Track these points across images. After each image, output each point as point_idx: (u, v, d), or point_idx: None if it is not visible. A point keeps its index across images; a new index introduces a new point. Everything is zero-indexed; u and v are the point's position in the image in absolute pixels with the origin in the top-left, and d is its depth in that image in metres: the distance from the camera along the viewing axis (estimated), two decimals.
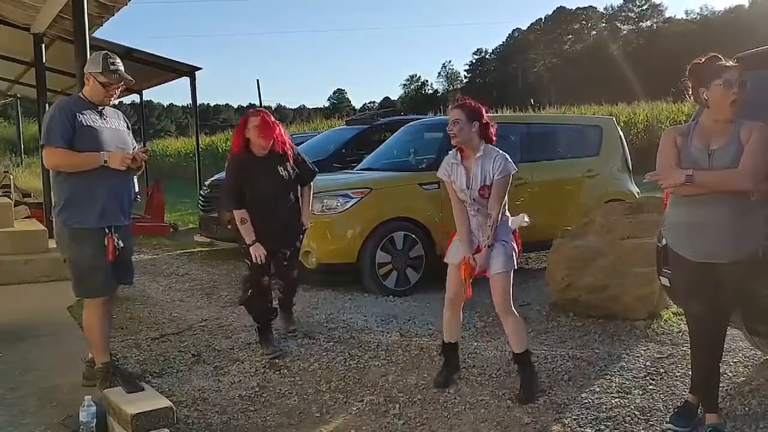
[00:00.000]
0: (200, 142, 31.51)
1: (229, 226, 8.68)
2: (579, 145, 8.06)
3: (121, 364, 4.55)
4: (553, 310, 5.97)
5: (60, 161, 3.87)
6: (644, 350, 4.92)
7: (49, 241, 8.10)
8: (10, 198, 13.78)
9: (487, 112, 4.08)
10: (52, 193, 3.98)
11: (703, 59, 3.36)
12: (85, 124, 3.89)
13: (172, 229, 11.99)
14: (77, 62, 6.52)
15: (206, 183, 9.94)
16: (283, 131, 4.99)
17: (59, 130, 3.80)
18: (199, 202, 9.75)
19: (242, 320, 5.84)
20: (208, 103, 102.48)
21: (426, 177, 6.90)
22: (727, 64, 3.29)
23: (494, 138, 4.07)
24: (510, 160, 4.00)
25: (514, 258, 4.06)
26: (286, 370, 4.64)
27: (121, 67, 4.06)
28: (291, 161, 5.01)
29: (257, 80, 50.05)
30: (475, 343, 5.14)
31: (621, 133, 8.39)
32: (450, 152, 4.16)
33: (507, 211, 4.13)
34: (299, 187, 5.15)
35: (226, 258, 9.08)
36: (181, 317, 6.04)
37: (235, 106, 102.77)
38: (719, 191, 3.22)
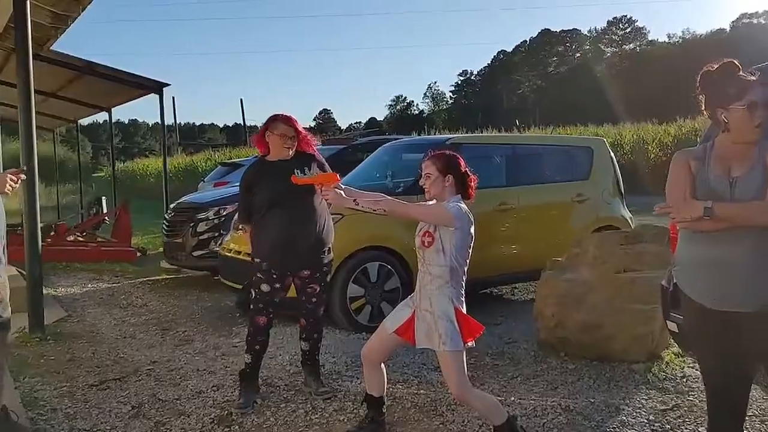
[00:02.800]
0: (182, 161, 31.15)
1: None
2: (568, 168, 7.51)
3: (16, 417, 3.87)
4: (543, 349, 5.38)
5: None
6: (645, 399, 4.34)
7: None
8: None
9: (465, 165, 3.53)
10: None
11: (717, 66, 2.79)
12: None
13: (140, 254, 11.34)
14: (19, 74, 5.94)
15: (171, 207, 9.32)
16: (303, 131, 4.41)
17: None
18: (164, 227, 9.13)
19: (195, 363, 5.22)
20: (194, 123, 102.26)
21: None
22: (748, 78, 2.71)
23: (473, 192, 3.53)
24: (462, 212, 3.40)
25: (459, 336, 3.37)
26: (237, 427, 4.00)
27: None
28: (314, 164, 4.35)
29: (240, 99, 49.75)
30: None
31: (612, 155, 7.86)
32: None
33: (455, 279, 3.45)
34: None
35: (191, 287, 8.45)
36: (128, 358, 5.39)
37: (221, 126, 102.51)
38: (743, 226, 2.64)
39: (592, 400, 4.32)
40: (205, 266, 8.32)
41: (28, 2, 5.86)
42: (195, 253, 8.34)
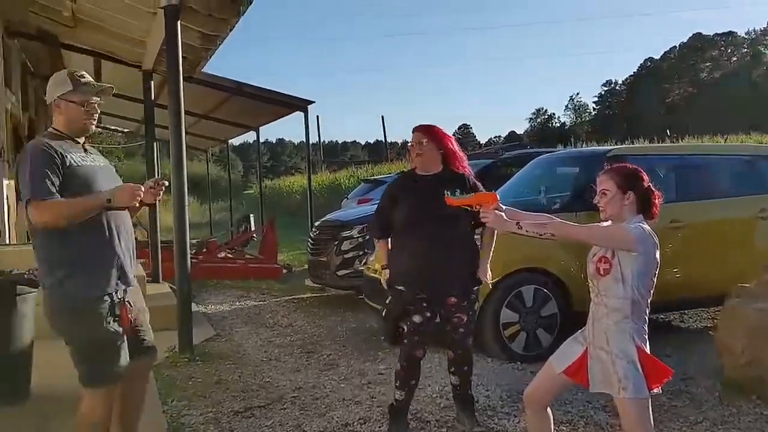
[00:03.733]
0: (325, 178, 31.75)
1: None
2: (749, 180, 6.62)
3: None
4: (729, 389, 4.66)
5: (53, 216, 2.94)
6: None
7: (148, 287, 7.63)
8: (136, 237, 13.88)
9: (648, 180, 3.01)
10: (37, 258, 3.07)
11: None
12: (73, 164, 3.05)
13: (285, 271, 11.41)
14: (170, 95, 5.98)
15: (315, 225, 9.23)
16: (457, 147, 4.06)
17: (46, 178, 2.92)
18: (308, 244, 9.05)
19: (341, 391, 4.94)
20: (336, 141, 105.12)
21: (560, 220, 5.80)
22: None
23: (657, 212, 3.01)
24: (646, 234, 2.88)
25: (642, 382, 2.85)
26: None
27: (92, 79, 3.24)
28: (463, 184, 3.91)
29: (381, 116, 50.31)
30: None
31: None
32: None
33: (638, 317, 2.93)
34: (475, 229, 4.07)
35: (335, 306, 8.29)
36: (273, 383, 5.20)
37: (363, 143, 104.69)
38: None
39: None
40: (350, 285, 8.12)
41: (178, 23, 5.90)
42: (339, 272, 8.17)
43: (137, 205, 3.13)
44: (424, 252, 3.86)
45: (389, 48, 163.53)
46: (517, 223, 3.02)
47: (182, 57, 6.21)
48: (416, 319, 3.92)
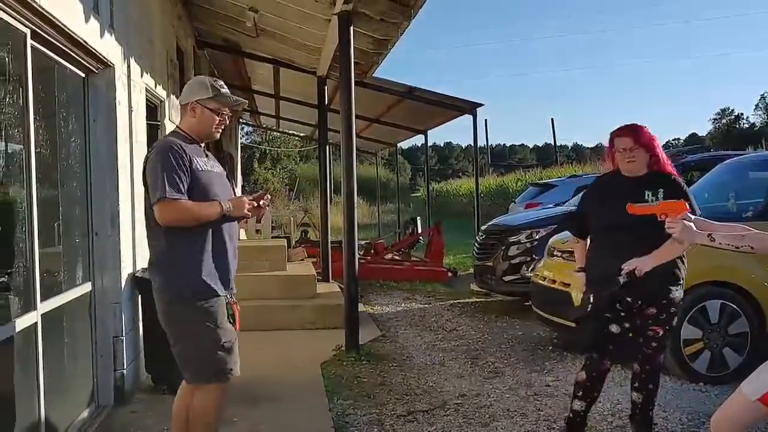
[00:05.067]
0: (492, 182, 31.51)
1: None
2: None
3: None
4: None
5: (179, 216, 3.06)
6: None
7: (318, 286, 7.88)
8: (309, 236, 14.50)
9: None
10: (155, 257, 3.19)
11: None
12: (198, 168, 3.15)
13: (451, 274, 11.38)
14: (341, 100, 6.12)
15: (482, 229, 9.10)
16: (660, 150, 3.79)
17: (176, 178, 3.03)
18: (474, 249, 8.94)
19: (505, 401, 4.79)
20: (504, 144, 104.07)
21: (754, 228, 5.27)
22: None
23: None
24: None
25: None
26: None
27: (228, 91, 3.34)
28: (667, 187, 3.70)
29: (551, 119, 49.00)
30: None
31: None
32: None
33: None
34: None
35: (501, 313, 8.11)
36: (437, 388, 5.14)
37: (531, 146, 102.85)
38: None
39: None
40: (516, 292, 7.94)
41: (351, 28, 6.01)
42: (506, 278, 8.01)
43: (247, 216, 3.29)
44: (618, 255, 3.60)
45: (559, 48, 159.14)
46: (709, 235, 2.72)
47: (354, 62, 6.33)
48: (613, 328, 3.72)
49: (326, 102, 9.38)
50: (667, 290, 3.68)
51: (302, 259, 9.42)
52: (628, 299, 3.63)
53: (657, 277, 3.59)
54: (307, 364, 5.76)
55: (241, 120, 18.96)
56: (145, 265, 5.09)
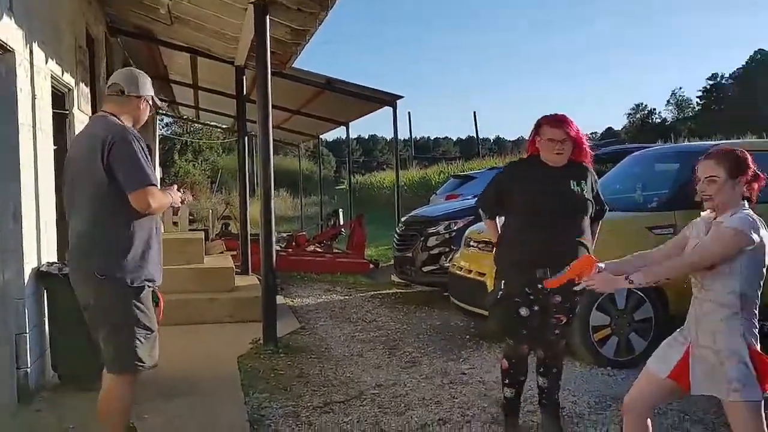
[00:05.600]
0: (415, 174, 31.73)
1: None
2: None
3: None
4: None
5: (161, 202, 3.18)
6: None
7: (237, 279, 7.77)
8: (230, 229, 14.27)
9: (753, 161, 2.80)
10: (113, 245, 3.16)
11: None
12: (147, 158, 3.22)
13: (372, 266, 11.42)
14: (258, 90, 6.04)
15: (402, 220, 9.17)
16: (584, 138, 3.86)
17: (148, 165, 3.13)
18: (394, 240, 9.00)
19: (421, 390, 4.84)
20: (428, 136, 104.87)
21: (656, 218, 5.50)
22: None
23: (755, 198, 2.82)
24: (752, 221, 2.67)
25: (755, 383, 2.65)
26: None
27: None
28: (588, 179, 3.85)
29: (474, 112, 49.80)
30: None
31: None
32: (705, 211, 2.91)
33: (749, 315, 2.73)
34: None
35: (420, 303, 8.20)
36: (354, 379, 5.16)
37: (454, 139, 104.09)
38: None
39: None
40: (435, 282, 8.02)
41: (267, 18, 5.93)
42: (425, 269, 8.09)
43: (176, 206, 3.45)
44: (541, 243, 3.71)
45: (478, 44, 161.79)
46: (627, 278, 2.81)
47: (272, 52, 6.26)
48: (523, 312, 3.79)
49: (244, 92, 9.22)
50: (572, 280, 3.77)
51: (221, 252, 9.26)
52: (539, 286, 3.70)
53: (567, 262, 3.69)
54: (223, 358, 5.67)
55: (159, 111, 18.49)
56: (51, 259, 4.94)
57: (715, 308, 2.70)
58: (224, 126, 22.05)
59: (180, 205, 3.47)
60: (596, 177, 3.94)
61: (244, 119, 9.40)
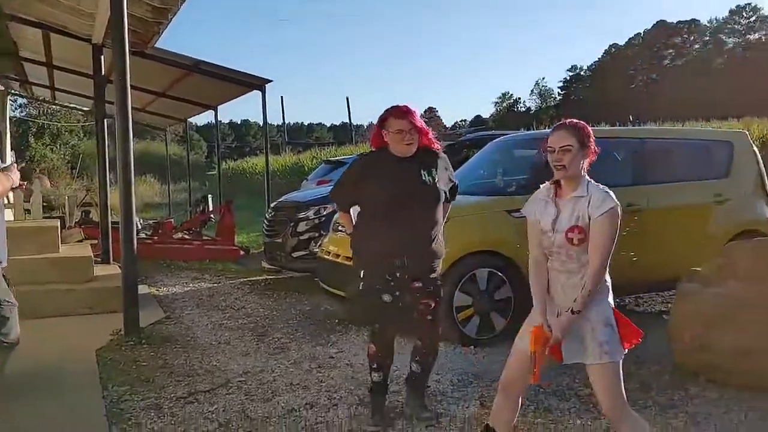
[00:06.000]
0: (288, 160, 31.47)
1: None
2: (704, 165, 6.60)
3: None
4: (679, 373, 4.65)
5: (5, 186, 3.04)
6: None
7: (96, 269, 7.41)
8: (91, 217, 13.58)
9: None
10: None
11: None
12: None
13: (243, 253, 11.23)
14: (115, 70, 5.75)
15: (271, 206, 9.07)
16: (432, 133, 3.93)
17: None
18: (263, 226, 8.89)
19: (289, 375, 4.82)
20: (302, 122, 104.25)
21: (516, 202, 5.70)
22: None
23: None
24: (612, 195, 2.85)
25: (619, 344, 2.86)
26: None
27: None
28: (438, 164, 3.90)
29: (347, 98, 49.78)
30: (578, 421, 3.91)
31: (756, 149, 6.88)
32: (543, 186, 3.04)
33: (608, 276, 2.93)
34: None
35: (291, 289, 8.16)
36: (221, 367, 5.06)
37: (328, 125, 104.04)
38: None
39: None
40: (305, 268, 7.99)
41: None
42: (294, 254, 8.06)
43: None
44: (396, 235, 3.75)
45: (356, 30, 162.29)
46: (571, 310, 2.83)
47: (132, 31, 6.00)
48: (386, 298, 3.82)
49: (103, 72, 8.76)
50: (429, 267, 3.86)
51: (79, 241, 8.79)
52: (397, 274, 3.77)
53: (424, 255, 3.81)
54: (81, 351, 5.40)
55: (12, 91, 17.26)
56: None
57: (582, 279, 2.84)
58: (85, 108, 20.91)
59: (20, 186, 3.25)
60: (446, 160, 4.02)
61: (103, 101, 8.93)
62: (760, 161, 6.83)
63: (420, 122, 3.83)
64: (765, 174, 6.79)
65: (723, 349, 4.33)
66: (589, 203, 2.83)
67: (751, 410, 4.02)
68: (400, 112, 3.80)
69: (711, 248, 5.69)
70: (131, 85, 5.57)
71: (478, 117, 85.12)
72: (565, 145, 2.84)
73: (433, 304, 3.92)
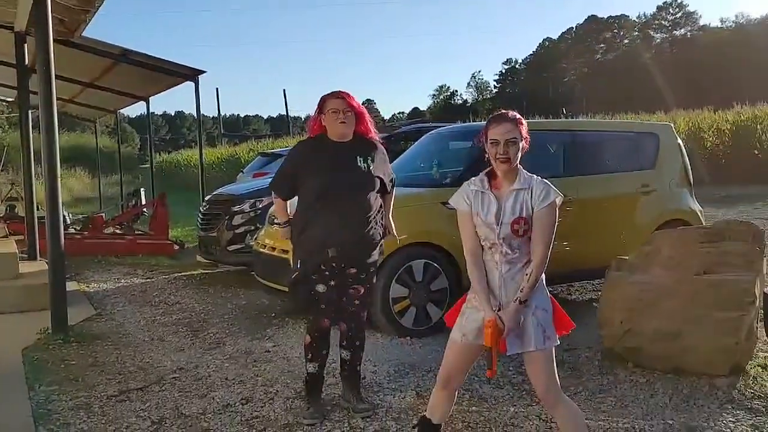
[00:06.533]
0: (224, 152, 31.07)
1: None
2: (631, 156, 6.80)
3: None
4: (608, 359, 4.79)
5: None
6: (733, 422, 3.76)
7: (22, 265, 7.17)
8: (16, 212, 13.12)
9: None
10: None
11: None
12: None
13: (178, 247, 11.01)
14: (39, 59, 5.55)
15: (206, 199, 8.94)
16: (368, 116, 3.95)
17: None
18: (198, 219, 8.75)
19: (224, 370, 4.77)
20: (238, 114, 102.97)
21: (450, 194, 5.77)
22: None
23: None
24: (552, 186, 2.93)
25: (554, 331, 2.96)
26: None
27: None
28: (376, 153, 3.92)
29: (283, 90, 49.10)
30: (512, 409, 3.99)
31: (680, 142, 7.14)
32: (474, 179, 3.06)
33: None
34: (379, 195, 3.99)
35: (226, 283, 8.05)
36: (154, 364, 4.97)
37: (265, 117, 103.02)
38: None
39: (670, 422, 3.77)
40: (241, 261, 7.92)
41: None
42: (230, 248, 7.97)
43: None
44: (331, 222, 3.76)
45: (292, 21, 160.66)
46: (518, 302, 2.86)
47: (58, 19, 5.80)
48: (320, 288, 3.84)
49: (27, 62, 8.43)
50: (367, 254, 3.89)
51: (4, 236, 8.49)
52: (332, 264, 3.79)
53: (360, 240, 3.82)
54: (5, 351, 5.22)
55: None
56: None
57: (522, 267, 2.89)
58: (9, 99, 20.14)
59: None
60: (384, 152, 4.04)
61: (27, 91, 8.60)
62: (685, 153, 7.09)
63: (357, 103, 3.85)
64: (689, 166, 7.05)
65: (646, 334, 4.48)
66: (531, 195, 2.89)
67: (675, 393, 4.18)
68: (336, 93, 3.84)
69: (638, 237, 5.89)
70: (57, 75, 5.40)
71: (415, 109, 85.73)
72: (512, 138, 2.87)
73: (362, 290, 3.95)
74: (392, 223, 4.14)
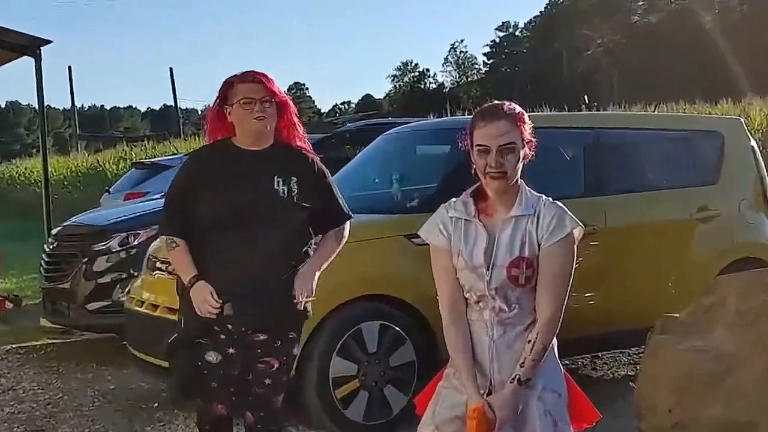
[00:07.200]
0: (83, 162, 30.84)
1: None
2: (684, 166, 7.00)
3: None
4: None
5: None
6: None
7: None
8: None
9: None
10: None
11: None
12: None
13: (10, 305, 10.94)
14: None
15: (54, 233, 8.92)
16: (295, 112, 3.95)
17: None
18: (42, 263, 8.70)
19: None
20: (102, 105, 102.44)
21: (420, 222, 5.84)
22: None
23: None
24: (568, 211, 2.98)
25: (569, 423, 3.02)
26: None
27: None
28: (308, 173, 3.90)
29: (170, 69, 48.01)
30: None
31: (754, 144, 7.31)
32: (454, 201, 3.13)
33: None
34: (312, 232, 3.99)
35: (86, 359, 8.04)
36: None
37: (143, 110, 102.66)
38: None
39: None
40: (107, 325, 7.92)
41: None
42: (90, 306, 7.96)
43: None
44: (227, 267, 3.76)
45: None
46: (516, 382, 2.90)
47: None
48: (211, 357, 3.83)
49: None
50: (284, 313, 3.87)
51: None
52: (228, 325, 3.78)
53: (271, 297, 3.79)
54: None
55: None
56: None
57: (522, 331, 2.94)
58: None
59: None
60: (321, 166, 4.03)
61: None
62: (761, 161, 7.22)
63: (280, 91, 3.85)
64: (767, 177, 7.18)
65: (707, 422, 4.57)
66: (537, 225, 2.94)
67: None
68: (249, 74, 3.81)
69: (694, 284, 6.01)
70: None
71: (368, 97, 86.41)
72: (508, 142, 2.89)
73: (276, 365, 3.91)
74: (316, 276, 3.98)
